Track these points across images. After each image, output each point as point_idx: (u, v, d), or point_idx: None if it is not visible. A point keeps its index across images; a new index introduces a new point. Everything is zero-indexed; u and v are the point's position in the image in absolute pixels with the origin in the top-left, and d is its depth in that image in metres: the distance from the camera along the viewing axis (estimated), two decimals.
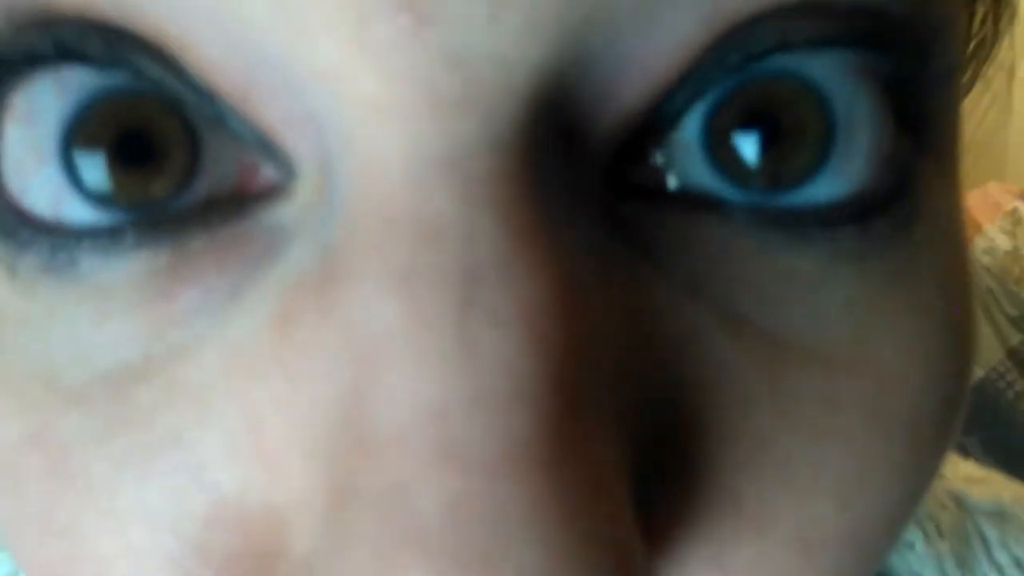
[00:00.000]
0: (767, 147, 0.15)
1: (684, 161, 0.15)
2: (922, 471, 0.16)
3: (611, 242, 0.14)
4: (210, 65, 0.13)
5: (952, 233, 0.17)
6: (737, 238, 0.15)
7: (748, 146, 0.15)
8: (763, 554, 0.15)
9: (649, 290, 0.14)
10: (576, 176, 0.14)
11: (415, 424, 0.12)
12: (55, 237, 0.14)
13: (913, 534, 0.31)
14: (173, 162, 0.14)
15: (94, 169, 0.14)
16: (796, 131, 0.15)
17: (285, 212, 0.14)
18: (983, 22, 0.22)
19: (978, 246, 1.47)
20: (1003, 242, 1.46)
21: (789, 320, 0.15)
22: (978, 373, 1.47)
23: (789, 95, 0.15)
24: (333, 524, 0.12)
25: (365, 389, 0.12)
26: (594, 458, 0.12)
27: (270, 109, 0.13)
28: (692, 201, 0.15)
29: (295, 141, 0.14)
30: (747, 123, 0.15)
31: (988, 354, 1.46)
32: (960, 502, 0.33)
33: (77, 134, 0.14)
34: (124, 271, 0.14)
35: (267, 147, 0.14)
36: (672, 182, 0.15)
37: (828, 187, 0.15)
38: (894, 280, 0.16)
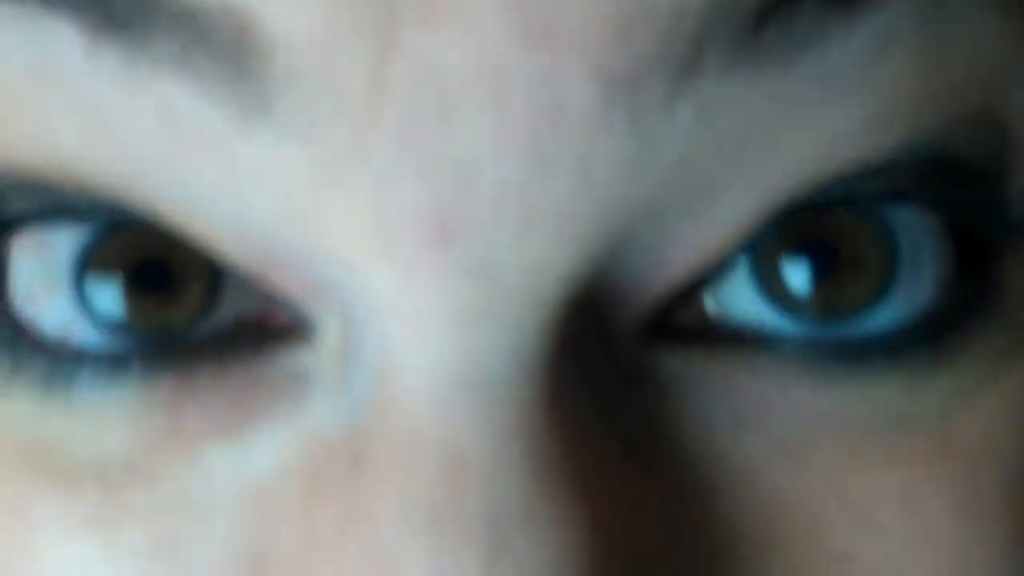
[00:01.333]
0: (822, 276, 0.14)
1: (732, 295, 0.14)
2: (1017, 548, 0.15)
3: (639, 406, 0.14)
4: (221, 245, 0.13)
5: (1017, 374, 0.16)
6: (788, 374, 0.14)
7: (798, 274, 0.14)
8: None
9: (686, 446, 0.14)
10: (607, 362, 0.14)
11: None
12: (56, 359, 0.14)
13: None
14: (191, 291, 0.14)
15: (108, 296, 0.14)
16: (853, 260, 0.14)
17: (306, 359, 0.14)
18: None
19: None
20: None
21: (854, 428, 0.14)
22: None
23: (846, 222, 0.14)
24: None
25: None
26: None
27: (287, 281, 0.13)
28: (736, 335, 0.14)
29: (316, 306, 0.14)
30: (797, 247, 0.14)
31: None
32: None
33: (92, 259, 0.14)
34: (121, 399, 0.14)
35: (287, 303, 0.14)
36: (711, 312, 0.14)
37: (892, 313, 0.14)
38: (988, 379, 0.15)
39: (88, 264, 0.14)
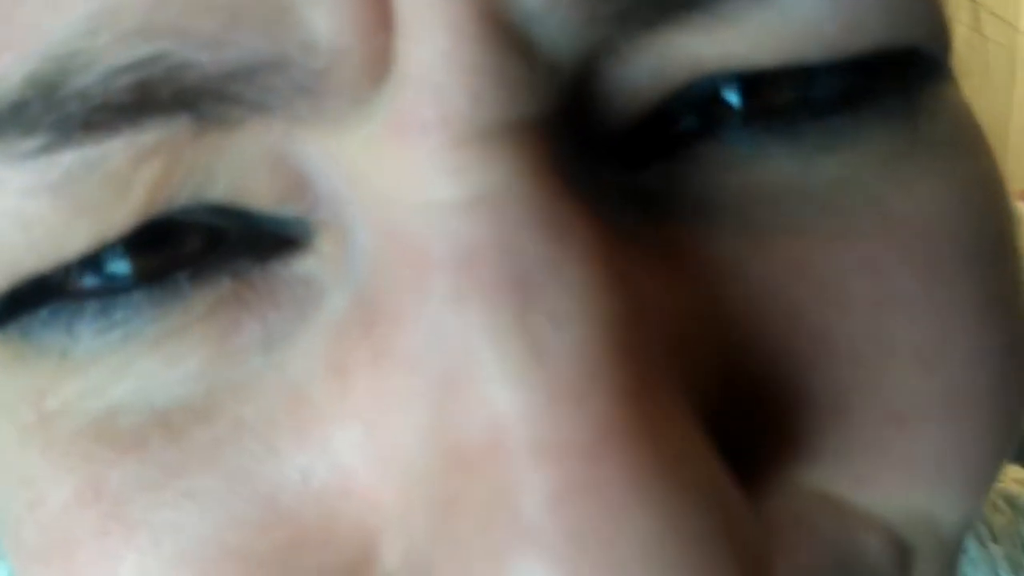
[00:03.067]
0: (751, 95, 0.15)
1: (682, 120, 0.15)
2: (1002, 311, 0.16)
3: (635, 213, 0.15)
4: (257, 190, 0.14)
5: (964, 114, 0.17)
6: (730, 156, 0.15)
7: (732, 96, 0.15)
8: (854, 438, 0.15)
9: (677, 241, 0.15)
10: (594, 167, 0.14)
11: (502, 431, 0.12)
12: (103, 299, 0.15)
13: (966, 538, 0.31)
14: (192, 242, 0.15)
15: (117, 264, 0.15)
16: (778, 84, 0.15)
17: (310, 264, 0.15)
18: None
19: None
20: None
21: (800, 214, 0.15)
22: None
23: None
24: (442, 536, 0.13)
25: (446, 412, 0.13)
26: (678, 423, 0.13)
27: (293, 205, 0.14)
28: (690, 138, 0.15)
29: (310, 213, 0.14)
30: (730, 80, 0.15)
31: None
32: (1014, 504, 0.33)
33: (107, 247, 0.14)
34: (187, 310, 0.14)
35: (282, 223, 0.15)
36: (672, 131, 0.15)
37: (818, 91, 0.15)
38: (902, 156, 0.16)
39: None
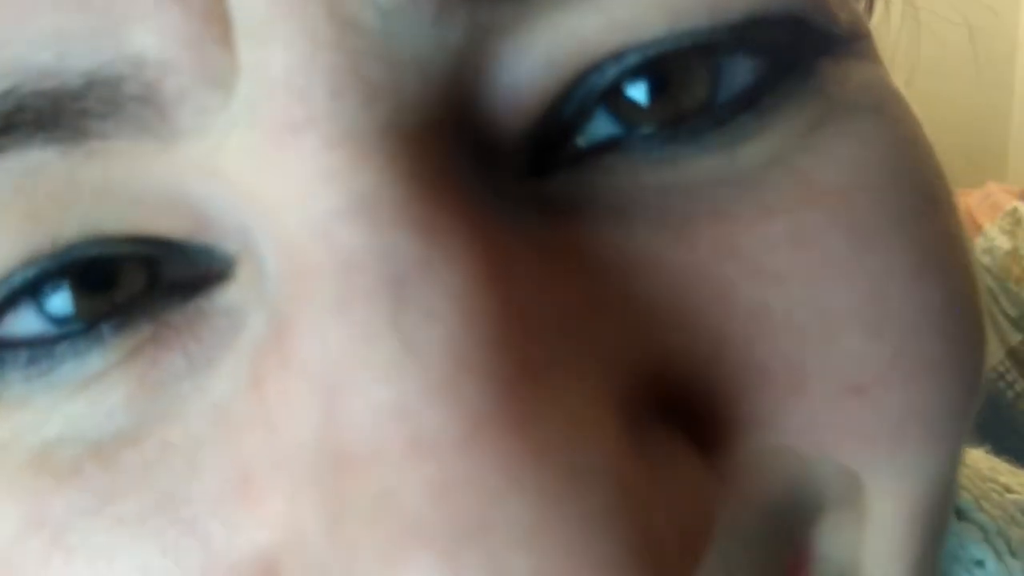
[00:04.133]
0: (658, 93, 0.15)
1: (592, 128, 0.16)
2: (941, 268, 0.16)
3: (536, 220, 0.15)
4: (163, 227, 0.15)
5: (880, 85, 0.17)
6: (642, 161, 0.15)
7: (637, 91, 0.15)
8: (817, 410, 0.15)
9: (583, 244, 0.15)
10: (487, 175, 0.15)
11: (382, 431, 0.13)
12: (31, 349, 0.15)
13: (983, 552, 0.30)
14: (132, 281, 0.15)
15: (60, 302, 0.15)
16: (684, 81, 0.16)
17: (233, 294, 0.15)
18: None
19: (978, 246, 1.47)
20: (1003, 242, 1.46)
21: (719, 199, 0.15)
22: None
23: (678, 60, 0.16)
24: (336, 538, 0.13)
25: (333, 416, 0.13)
26: (561, 410, 0.13)
27: (205, 228, 0.15)
28: (599, 150, 0.16)
29: (227, 241, 0.15)
30: (636, 75, 0.15)
31: (988, 354, 1.46)
32: None
33: (42, 275, 0.15)
34: (107, 357, 0.15)
35: (207, 252, 0.15)
36: (580, 143, 0.16)
37: (722, 95, 0.16)
38: (815, 126, 0.16)
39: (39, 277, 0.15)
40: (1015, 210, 1.47)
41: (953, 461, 0.17)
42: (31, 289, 0.15)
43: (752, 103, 0.16)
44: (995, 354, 1.46)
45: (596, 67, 0.15)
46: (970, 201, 1.50)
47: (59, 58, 0.14)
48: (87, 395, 0.15)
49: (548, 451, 0.12)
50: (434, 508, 0.12)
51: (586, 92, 0.15)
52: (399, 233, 0.13)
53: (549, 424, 0.13)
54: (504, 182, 0.15)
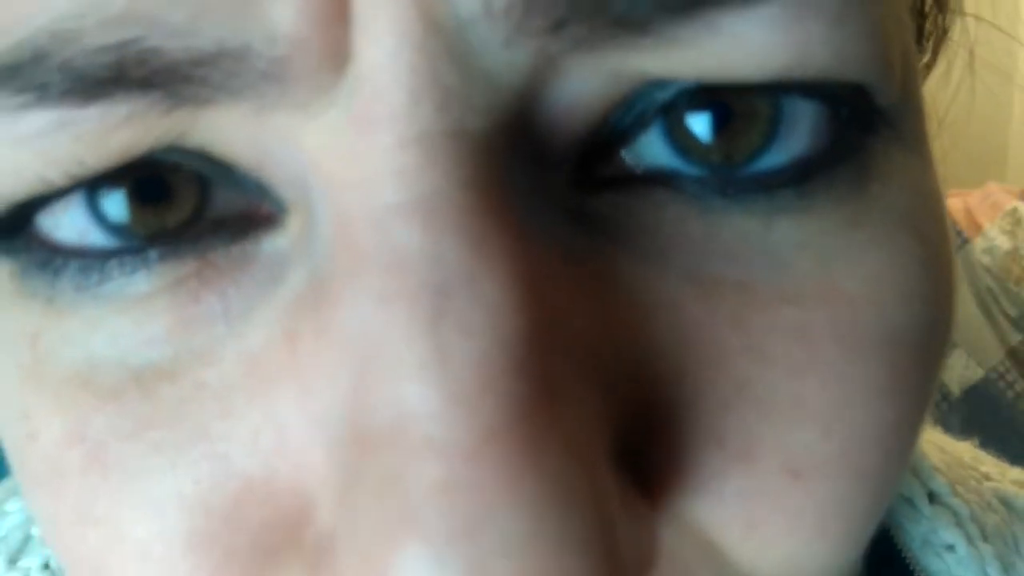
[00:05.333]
0: (720, 127, 0.16)
1: (647, 148, 0.16)
2: (906, 394, 0.17)
3: (578, 235, 0.16)
4: (236, 151, 0.16)
5: (921, 193, 0.18)
6: (689, 208, 0.16)
7: (701, 124, 0.16)
8: (753, 483, 0.16)
9: (617, 270, 0.16)
10: (540, 185, 0.15)
11: (402, 424, 0.14)
12: (84, 260, 0.16)
13: (954, 536, 0.31)
14: (183, 199, 0.16)
15: (116, 206, 0.16)
16: (746, 114, 0.16)
17: (281, 241, 0.16)
18: (932, 3, 0.24)
19: (978, 246, 1.47)
20: (1003, 242, 1.46)
21: (749, 270, 0.16)
22: (978, 373, 1.47)
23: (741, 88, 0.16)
24: (346, 504, 0.14)
25: (361, 395, 0.14)
26: (566, 432, 0.14)
27: (270, 174, 0.16)
28: (652, 181, 0.16)
29: (285, 189, 0.16)
30: (699, 106, 0.16)
31: (988, 354, 1.46)
32: (1009, 505, 0.33)
33: (101, 178, 0.16)
34: (152, 281, 0.16)
35: (263, 190, 0.16)
36: (634, 167, 0.16)
37: (771, 160, 0.16)
38: (854, 225, 0.17)
39: (97, 180, 0.16)
40: (1015, 210, 1.47)
41: (849, 561, 0.18)
42: (89, 189, 0.16)
43: (800, 177, 0.16)
44: (995, 354, 1.46)
45: (659, 83, 0.16)
46: (970, 201, 1.50)
47: (192, 20, 0.14)
48: (131, 316, 0.16)
49: (545, 472, 0.13)
50: (434, 504, 0.13)
51: (646, 104, 0.16)
52: (450, 240, 0.14)
53: (549, 447, 0.14)
54: (552, 194, 0.16)
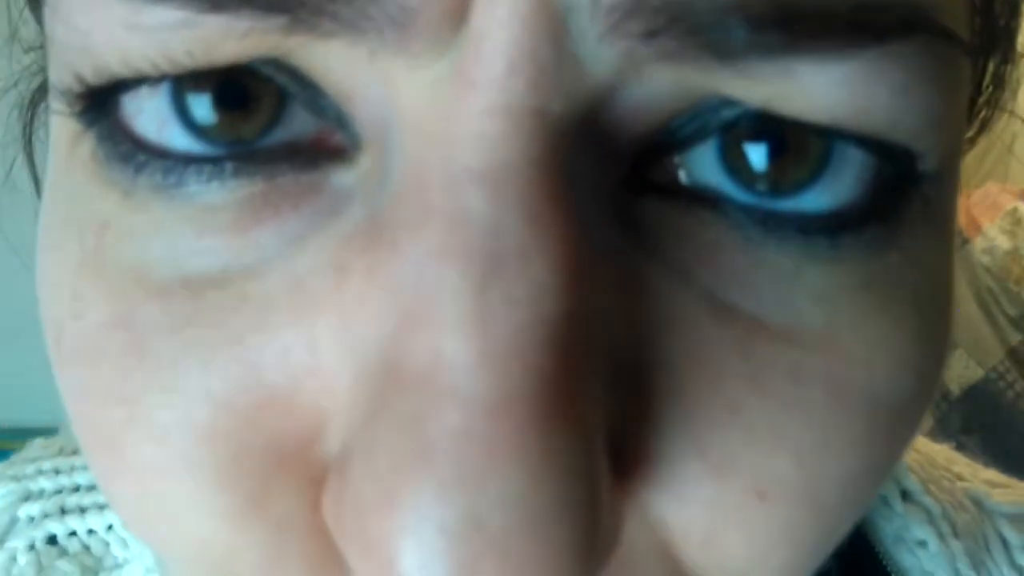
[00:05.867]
0: (773, 158, 0.17)
1: (700, 163, 0.17)
2: (878, 449, 0.18)
3: (620, 236, 0.16)
4: (330, 79, 0.16)
5: (934, 271, 0.19)
6: (728, 233, 0.17)
7: (757, 154, 0.17)
8: (722, 496, 0.17)
9: (648, 277, 0.17)
10: (598, 178, 0.16)
11: (435, 371, 0.15)
12: (166, 162, 0.17)
13: (926, 533, 0.32)
14: (261, 112, 0.17)
15: (202, 108, 0.17)
16: (799, 148, 0.17)
17: (348, 176, 0.17)
18: (991, 81, 0.25)
19: (978, 246, 1.47)
20: (1003, 242, 1.46)
21: (765, 305, 0.17)
22: (978, 373, 1.47)
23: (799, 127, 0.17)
24: (365, 433, 0.15)
25: (402, 337, 0.15)
26: (577, 412, 0.15)
27: (356, 107, 0.16)
28: (698, 197, 0.17)
29: (364, 126, 0.17)
30: (757, 135, 0.17)
31: (988, 354, 1.46)
32: (980, 504, 0.34)
33: (187, 77, 0.17)
34: (224, 195, 0.17)
35: (342, 121, 0.17)
36: (684, 178, 0.17)
37: (813, 202, 0.17)
38: (867, 288, 0.18)
39: (183, 79, 0.17)
40: (1015, 210, 1.47)
41: None
42: (176, 85, 0.17)
43: (835, 226, 0.17)
44: (995, 354, 1.46)
45: (726, 102, 0.16)
46: (970, 201, 1.50)
47: None
48: (195, 224, 0.17)
49: (553, 441, 0.15)
50: (450, 448, 0.14)
51: (708, 119, 0.17)
52: (512, 213, 0.15)
53: (561, 420, 0.15)
54: (607, 189, 0.16)
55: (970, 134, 0.26)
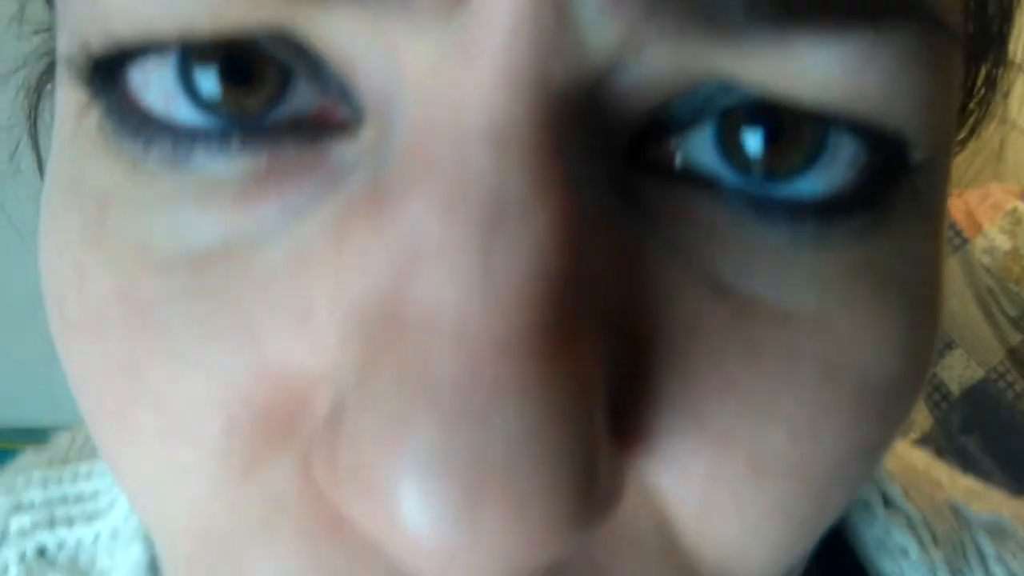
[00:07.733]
0: (768, 144, 0.17)
1: (696, 147, 0.17)
2: (869, 430, 0.18)
3: (619, 205, 0.17)
4: (333, 51, 0.16)
5: (923, 260, 0.19)
6: (723, 215, 0.17)
7: (753, 139, 0.17)
8: (718, 467, 0.17)
9: (645, 249, 0.17)
10: (597, 150, 0.16)
11: (439, 314, 0.15)
12: (175, 135, 0.17)
13: (906, 539, 0.32)
14: (265, 88, 0.17)
15: (208, 82, 0.17)
16: (794, 135, 0.17)
17: (351, 149, 0.17)
18: (983, 84, 0.25)
19: (978, 246, 1.47)
20: (1003, 242, 1.47)
21: (760, 286, 0.17)
22: (978, 373, 1.47)
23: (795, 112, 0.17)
24: (363, 387, 0.15)
25: (402, 286, 0.15)
26: (577, 359, 0.15)
27: (359, 78, 0.17)
28: (694, 180, 0.17)
29: (367, 97, 0.17)
30: (754, 121, 0.17)
31: (988, 354, 1.46)
32: (958, 514, 0.34)
33: (194, 50, 0.17)
34: (229, 168, 0.17)
35: (345, 94, 0.17)
36: (679, 161, 0.17)
37: (806, 188, 0.18)
38: (857, 272, 0.18)
39: (190, 51, 0.17)
40: (1015, 210, 1.47)
41: (788, 563, 0.19)
42: (182, 58, 0.17)
43: (826, 210, 0.18)
44: (995, 354, 1.46)
45: (725, 85, 0.17)
46: (970, 201, 1.50)
47: None
48: (199, 199, 0.17)
49: (553, 385, 0.15)
50: (452, 387, 0.14)
51: (707, 101, 0.17)
52: (516, 169, 0.15)
53: (561, 366, 0.15)
54: (607, 164, 0.17)
55: (961, 136, 0.26)
